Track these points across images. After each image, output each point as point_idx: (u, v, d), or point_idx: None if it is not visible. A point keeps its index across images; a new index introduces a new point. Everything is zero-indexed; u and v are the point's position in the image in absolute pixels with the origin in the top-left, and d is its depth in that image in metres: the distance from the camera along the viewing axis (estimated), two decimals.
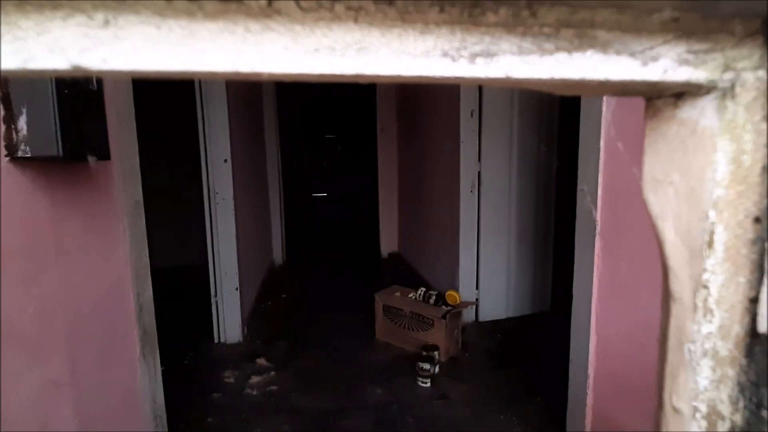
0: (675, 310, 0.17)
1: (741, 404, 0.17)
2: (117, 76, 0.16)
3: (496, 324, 2.63)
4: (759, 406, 0.17)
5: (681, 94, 0.16)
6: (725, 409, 0.17)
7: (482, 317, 2.67)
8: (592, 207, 1.30)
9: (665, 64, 0.16)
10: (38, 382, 0.80)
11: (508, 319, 2.69)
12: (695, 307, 0.17)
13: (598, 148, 1.35)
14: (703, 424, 0.17)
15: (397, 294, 2.47)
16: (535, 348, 2.31)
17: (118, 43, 0.16)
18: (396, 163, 4.43)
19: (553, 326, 2.54)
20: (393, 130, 4.38)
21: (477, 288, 2.65)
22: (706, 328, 0.17)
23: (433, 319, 2.19)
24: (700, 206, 0.16)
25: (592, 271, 1.41)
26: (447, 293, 2.35)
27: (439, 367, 2.06)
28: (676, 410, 0.18)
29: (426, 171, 3.40)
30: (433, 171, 3.21)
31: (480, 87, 2.49)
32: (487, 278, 2.66)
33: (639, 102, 0.19)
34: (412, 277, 3.66)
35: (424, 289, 2.43)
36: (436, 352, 2.08)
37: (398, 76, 0.17)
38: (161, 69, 0.16)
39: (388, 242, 4.54)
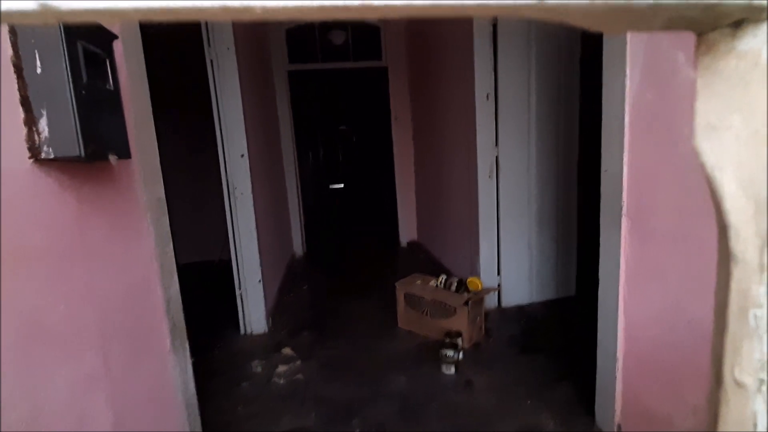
0: (737, 273, 0.15)
1: None
2: (89, 17, 0.15)
3: (519, 310, 2.60)
4: None
5: (739, 22, 0.14)
6: None
7: (505, 303, 2.64)
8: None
9: None
10: (73, 377, 0.83)
11: (532, 305, 2.65)
12: (762, 268, 0.15)
13: (623, 126, 1.30)
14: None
15: (418, 282, 2.46)
16: (561, 333, 2.27)
17: None
18: (412, 151, 4.40)
19: (578, 311, 2.49)
20: (407, 117, 4.33)
21: (498, 274, 2.62)
22: None
23: (455, 306, 2.18)
24: (766, 151, 0.14)
25: (619, 254, 1.36)
26: (468, 280, 2.33)
27: (463, 354, 2.05)
28: (739, 384, 0.16)
29: (443, 158, 3.35)
30: (449, 157, 3.17)
31: (495, 69, 2.43)
32: (509, 264, 2.62)
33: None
34: (432, 264, 3.65)
35: (444, 277, 2.41)
36: (459, 339, 2.07)
37: (410, 7, 0.15)
38: (139, 6, 0.14)
39: (407, 231, 4.53)
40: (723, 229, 0.15)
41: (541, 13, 0.14)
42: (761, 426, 0.16)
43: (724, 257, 0.15)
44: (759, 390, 0.16)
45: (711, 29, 0.15)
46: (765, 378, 0.16)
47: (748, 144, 0.15)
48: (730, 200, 0.15)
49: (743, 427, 0.17)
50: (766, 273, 0.15)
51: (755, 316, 0.16)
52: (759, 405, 0.16)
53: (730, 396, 0.17)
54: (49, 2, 0.14)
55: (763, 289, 0.15)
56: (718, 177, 0.15)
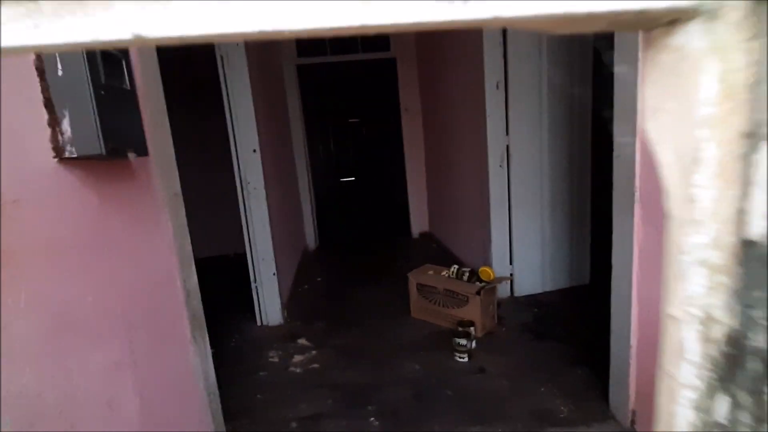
0: (672, 227, 0.19)
1: (736, 309, 0.19)
2: (168, 42, 0.19)
3: (532, 298, 2.60)
4: (751, 307, 0.18)
5: (673, 22, 0.16)
6: (720, 314, 0.19)
7: (518, 292, 2.64)
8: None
9: None
10: (102, 364, 0.88)
11: (545, 293, 2.65)
12: (690, 222, 0.19)
13: (635, 109, 1.29)
14: (699, 328, 0.20)
15: (431, 272, 2.48)
16: (575, 320, 2.27)
17: (165, 10, 0.19)
18: (422, 142, 4.39)
19: (592, 298, 2.48)
20: (417, 108, 4.32)
21: (511, 263, 2.62)
22: (700, 239, 0.19)
23: (468, 295, 2.20)
24: (693, 127, 0.18)
25: (632, 240, 1.36)
26: (480, 269, 2.33)
27: (476, 342, 2.07)
28: (671, 317, 0.20)
29: (453, 148, 3.34)
30: (460, 147, 3.16)
31: (505, 56, 2.40)
32: (521, 253, 2.62)
33: None
34: (444, 255, 3.66)
35: (457, 267, 2.43)
36: (472, 328, 2.09)
37: (398, 25, 0.18)
38: (204, 33, 0.19)
39: (419, 222, 4.54)
40: (664, 193, 0.19)
41: (497, 24, 0.17)
42: (688, 349, 0.20)
43: (665, 217, 0.19)
44: (688, 322, 0.20)
45: (652, 28, 0.17)
46: (693, 311, 0.20)
47: (681, 122, 0.17)
48: (667, 168, 0.18)
49: (676, 352, 0.20)
50: (693, 225, 0.18)
51: (683, 261, 0.19)
52: (686, 333, 0.20)
53: (667, 328, 0.21)
54: (141, 34, 0.19)
55: (689, 239, 0.19)
56: (659, 150, 0.18)
